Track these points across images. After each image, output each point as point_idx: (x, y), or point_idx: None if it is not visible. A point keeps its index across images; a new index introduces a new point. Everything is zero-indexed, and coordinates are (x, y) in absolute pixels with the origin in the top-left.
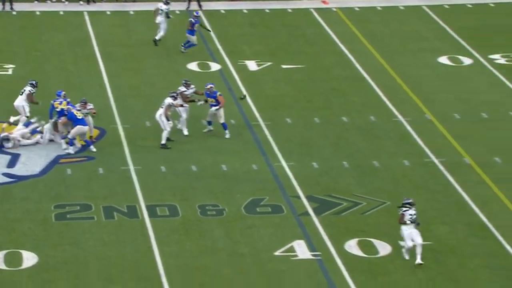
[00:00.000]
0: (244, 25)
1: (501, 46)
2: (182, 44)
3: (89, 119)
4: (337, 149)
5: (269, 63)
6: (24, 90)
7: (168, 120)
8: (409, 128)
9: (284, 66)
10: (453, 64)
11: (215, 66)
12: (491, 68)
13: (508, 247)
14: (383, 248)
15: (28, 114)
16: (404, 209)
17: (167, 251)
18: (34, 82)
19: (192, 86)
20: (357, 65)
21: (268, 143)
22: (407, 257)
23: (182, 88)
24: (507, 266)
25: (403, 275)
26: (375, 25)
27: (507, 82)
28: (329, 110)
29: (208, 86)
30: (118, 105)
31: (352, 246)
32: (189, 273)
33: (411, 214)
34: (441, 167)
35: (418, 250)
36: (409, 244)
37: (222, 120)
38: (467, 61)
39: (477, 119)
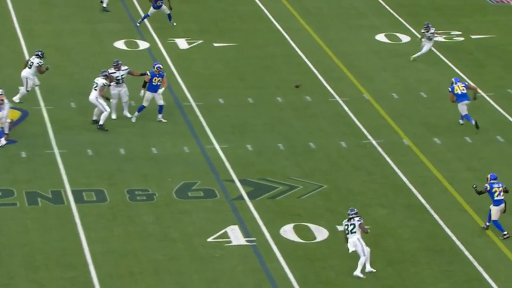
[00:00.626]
0: (174, 1)
1: (440, 24)
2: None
3: (5, 104)
4: (271, 130)
5: (200, 41)
6: (32, 62)
7: (108, 99)
8: (346, 108)
9: (216, 44)
10: (391, 42)
11: (143, 44)
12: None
13: (447, 229)
14: (320, 233)
15: (29, 89)
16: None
17: (94, 237)
18: (40, 53)
19: (125, 67)
20: (292, 43)
21: (200, 125)
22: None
23: (111, 70)
24: (446, 248)
25: (341, 259)
26: (311, 1)
27: (446, 60)
28: (263, 90)
29: (156, 66)
30: (41, 85)
31: (288, 231)
32: (117, 260)
33: (346, 225)
34: (379, 148)
35: (362, 261)
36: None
37: (161, 102)
38: (405, 38)
39: (416, 98)
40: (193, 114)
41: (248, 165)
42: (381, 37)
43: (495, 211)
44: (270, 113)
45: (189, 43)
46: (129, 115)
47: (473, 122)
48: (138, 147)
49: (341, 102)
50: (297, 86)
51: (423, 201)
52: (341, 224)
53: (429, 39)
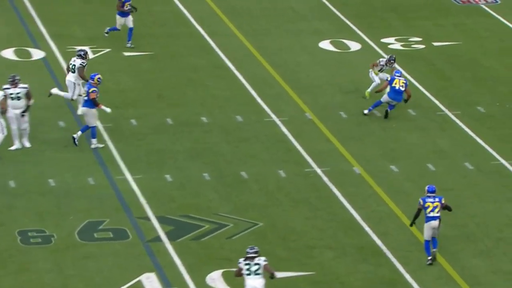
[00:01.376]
0: (76, 0)
1: (395, 28)
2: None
3: None
4: (195, 157)
5: (107, 50)
6: (74, 64)
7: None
8: (284, 129)
9: (126, 54)
10: (338, 50)
11: (37, 54)
12: (384, 55)
13: (407, 275)
14: None
15: (75, 97)
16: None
17: None
18: (82, 53)
19: (23, 85)
20: (219, 51)
21: (108, 151)
22: None
23: (5, 86)
24: None
25: None
26: (241, 1)
27: (404, 72)
28: (185, 108)
29: (96, 78)
30: None
31: (215, 279)
32: None
33: (248, 264)
34: (325, 178)
35: None
36: None
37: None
38: (354, 46)
39: (369, 118)
40: (99, 138)
41: (168, 200)
42: (325, 44)
43: (425, 229)
44: (193, 136)
45: (94, 52)
46: (28, 145)
47: (384, 112)
48: (32, 178)
49: (278, 122)
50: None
51: (378, 241)
52: (279, 271)
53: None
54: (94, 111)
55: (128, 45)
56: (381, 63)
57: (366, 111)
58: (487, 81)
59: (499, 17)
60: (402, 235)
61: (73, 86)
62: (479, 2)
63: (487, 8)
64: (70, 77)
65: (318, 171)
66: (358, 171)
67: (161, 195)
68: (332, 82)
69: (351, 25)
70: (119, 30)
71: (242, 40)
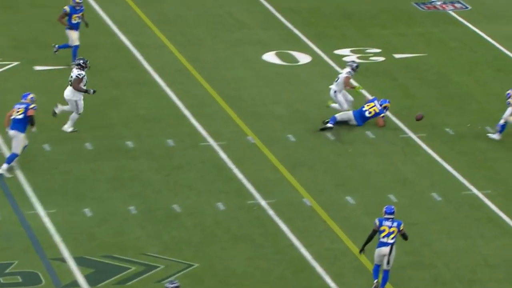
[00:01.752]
0: None
1: (351, 37)
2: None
3: None
4: (119, 187)
5: (15, 63)
6: (71, 76)
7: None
8: (223, 155)
9: (37, 68)
10: (284, 63)
11: None
12: (338, 68)
13: None
14: None
15: (80, 111)
16: None
17: None
18: (82, 62)
19: None
20: (146, 64)
21: (16, 181)
22: None
23: None
24: None
25: None
26: (172, 6)
27: (363, 91)
28: (107, 130)
29: (29, 97)
30: None
31: None
32: None
33: None
34: (271, 211)
35: None
36: None
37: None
38: (303, 58)
39: (321, 142)
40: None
41: (87, 238)
42: (270, 57)
43: (375, 254)
44: (117, 163)
45: None
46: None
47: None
48: None
49: (216, 147)
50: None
51: (332, 284)
52: None
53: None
54: (23, 136)
55: (54, 49)
56: (349, 73)
57: (329, 124)
58: (457, 98)
59: (469, 24)
60: (359, 277)
61: (75, 104)
62: (447, 8)
63: (455, 15)
64: (68, 92)
65: (263, 203)
66: (309, 203)
67: (79, 233)
68: (279, 100)
69: (300, 34)
70: (73, 46)
71: (173, 52)
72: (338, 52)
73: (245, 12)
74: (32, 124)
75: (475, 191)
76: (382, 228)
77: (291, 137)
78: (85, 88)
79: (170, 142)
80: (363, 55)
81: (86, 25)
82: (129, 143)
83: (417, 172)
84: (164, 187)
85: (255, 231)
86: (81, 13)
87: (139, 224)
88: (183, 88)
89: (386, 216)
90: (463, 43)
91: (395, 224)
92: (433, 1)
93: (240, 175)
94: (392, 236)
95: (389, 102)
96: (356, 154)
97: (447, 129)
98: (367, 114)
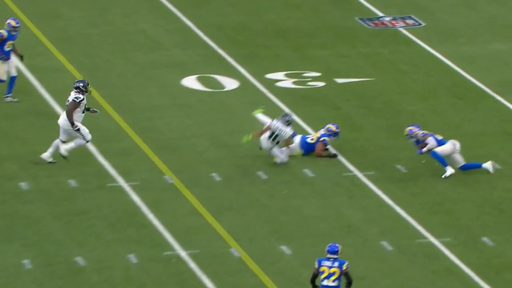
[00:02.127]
0: None
1: (285, 59)
2: None
3: None
4: (11, 237)
5: None
6: (68, 100)
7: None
8: (136, 198)
9: None
10: (208, 89)
11: None
12: (270, 95)
13: None
14: None
15: (88, 138)
16: None
17: None
18: (81, 85)
19: None
20: (43, 92)
21: None
22: None
23: None
24: None
25: None
26: (73, 25)
27: (297, 119)
28: None
29: None
30: None
31: None
32: None
33: None
34: (192, 264)
35: None
36: None
37: None
38: (230, 83)
39: (250, 181)
40: None
41: None
42: (190, 81)
43: None
44: (8, 209)
45: None
46: None
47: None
48: None
49: (127, 188)
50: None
51: None
52: None
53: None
54: None
55: (8, 99)
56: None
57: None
58: None
59: (423, 44)
60: None
61: (74, 132)
62: (397, 24)
63: (407, 33)
64: (63, 119)
65: (183, 254)
66: (237, 254)
67: None
68: (201, 132)
69: (225, 55)
70: (3, 81)
71: (75, 75)
72: (270, 76)
73: (161, 29)
74: None
75: (432, 239)
76: (321, 269)
77: (216, 176)
78: (73, 119)
79: (72, 182)
80: (300, 79)
81: (21, 58)
82: (22, 184)
83: (364, 217)
84: (65, 236)
85: (173, 287)
86: (14, 41)
87: (34, 280)
88: (87, 119)
89: (328, 255)
90: (416, 66)
91: (336, 264)
92: (381, 17)
93: (155, 221)
94: (333, 278)
95: (337, 126)
96: (293, 196)
97: (399, 167)
98: (308, 140)
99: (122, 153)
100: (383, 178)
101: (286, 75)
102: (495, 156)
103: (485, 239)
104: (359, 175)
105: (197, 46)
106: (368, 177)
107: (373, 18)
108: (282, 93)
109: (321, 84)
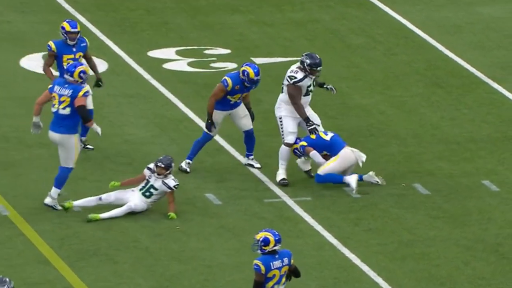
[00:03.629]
0: None
1: (178, 29)
2: None
3: None
4: None
5: None
6: None
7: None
8: None
9: None
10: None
11: None
12: (154, 82)
13: None
14: None
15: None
16: None
17: None
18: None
19: None
20: None
21: None
22: None
23: None
24: None
25: None
26: None
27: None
28: None
29: None
30: None
31: None
32: None
33: None
34: None
35: None
36: None
37: None
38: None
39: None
40: None
41: None
42: (33, 63)
43: None
44: None
45: None
46: None
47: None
48: None
49: None
50: None
51: None
52: None
53: None
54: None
55: None
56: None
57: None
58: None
59: (383, 6)
60: None
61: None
62: None
63: None
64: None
65: None
66: None
67: None
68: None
69: (87, 23)
70: None
71: None
72: (154, 54)
73: None
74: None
75: None
76: (270, 274)
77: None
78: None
79: None
80: (200, 59)
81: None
82: None
83: (296, 265)
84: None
85: None
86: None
87: None
88: None
89: (276, 247)
90: (374, 39)
91: (283, 261)
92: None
93: None
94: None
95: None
96: (190, 234)
97: (347, 188)
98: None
99: None
100: (322, 206)
101: (179, 52)
102: (491, 171)
103: None
104: (288, 201)
105: (43, 10)
106: (301, 204)
107: None
108: (173, 79)
109: (231, 65)
